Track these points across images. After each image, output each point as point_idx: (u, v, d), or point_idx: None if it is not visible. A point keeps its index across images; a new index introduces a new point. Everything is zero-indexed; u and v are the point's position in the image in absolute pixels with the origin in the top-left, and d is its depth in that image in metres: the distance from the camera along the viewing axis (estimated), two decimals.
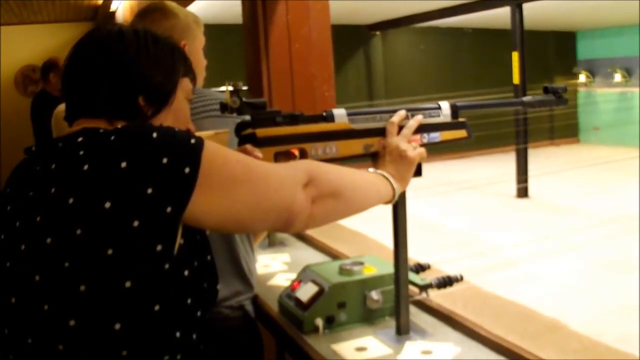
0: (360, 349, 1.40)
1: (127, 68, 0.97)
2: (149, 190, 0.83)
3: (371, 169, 1.22)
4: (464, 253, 5.07)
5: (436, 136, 1.31)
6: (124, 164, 0.83)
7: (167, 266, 0.87)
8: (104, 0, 6.08)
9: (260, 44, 2.59)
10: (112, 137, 0.87)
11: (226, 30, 7.09)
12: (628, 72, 11.07)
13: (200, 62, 1.67)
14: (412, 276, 1.53)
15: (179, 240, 0.89)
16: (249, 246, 1.69)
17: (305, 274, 1.64)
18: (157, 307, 0.87)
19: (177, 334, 0.91)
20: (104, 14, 6.59)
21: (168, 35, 1.07)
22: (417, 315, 1.55)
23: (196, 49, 1.66)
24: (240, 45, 2.90)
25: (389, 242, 1.52)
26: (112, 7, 6.07)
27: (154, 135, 0.86)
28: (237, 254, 1.63)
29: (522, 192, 7.64)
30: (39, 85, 7.75)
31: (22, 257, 0.87)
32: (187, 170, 0.85)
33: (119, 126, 0.91)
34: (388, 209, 1.36)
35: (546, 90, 1.42)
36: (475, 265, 4.59)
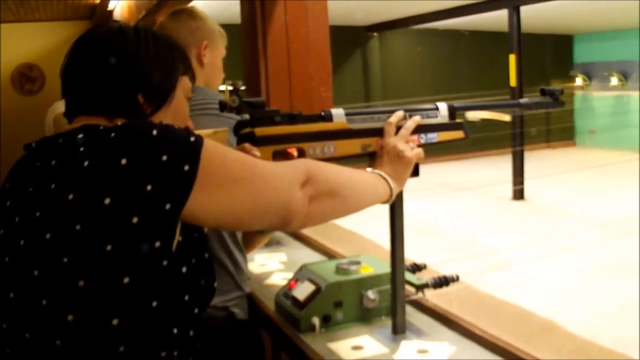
0: (357, 348, 1.41)
1: (127, 66, 0.97)
2: (149, 187, 0.84)
3: (369, 169, 1.22)
4: (460, 254, 5.08)
5: (434, 137, 1.32)
6: (124, 161, 0.84)
7: (165, 263, 0.88)
8: None
9: (259, 44, 2.59)
10: (112, 134, 0.87)
11: (224, 30, 7.09)
12: (624, 76, 11.10)
13: (218, 71, 1.75)
14: (408, 276, 1.53)
15: (177, 237, 0.89)
16: (237, 246, 1.68)
17: (302, 273, 1.64)
18: (154, 304, 0.87)
19: (175, 331, 0.91)
20: (102, 13, 6.58)
21: (168, 35, 1.08)
22: (413, 315, 1.56)
23: (216, 57, 1.76)
24: (238, 45, 2.90)
25: (385, 242, 1.52)
26: (110, 6, 6.06)
27: (154, 132, 0.87)
28: (227, 254, 1.62)
29: (518, 194, 7.67)
30: (36, 84, 7.74)
31: (21, 252, 0.87)
32: (186, 167, 0.86)
33: (119, 123, 0.91)
34: (385, 209, 1.36)
35: (543, 93, 1.43)
36: (471, 267, 4.60)
